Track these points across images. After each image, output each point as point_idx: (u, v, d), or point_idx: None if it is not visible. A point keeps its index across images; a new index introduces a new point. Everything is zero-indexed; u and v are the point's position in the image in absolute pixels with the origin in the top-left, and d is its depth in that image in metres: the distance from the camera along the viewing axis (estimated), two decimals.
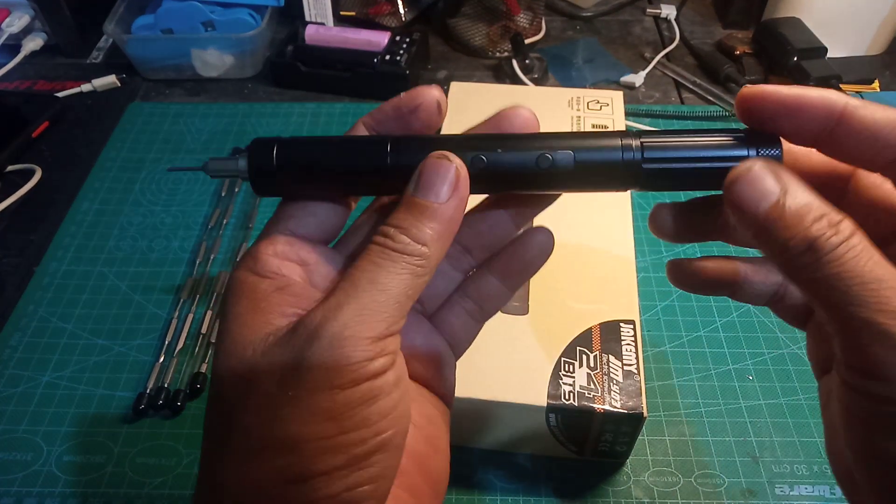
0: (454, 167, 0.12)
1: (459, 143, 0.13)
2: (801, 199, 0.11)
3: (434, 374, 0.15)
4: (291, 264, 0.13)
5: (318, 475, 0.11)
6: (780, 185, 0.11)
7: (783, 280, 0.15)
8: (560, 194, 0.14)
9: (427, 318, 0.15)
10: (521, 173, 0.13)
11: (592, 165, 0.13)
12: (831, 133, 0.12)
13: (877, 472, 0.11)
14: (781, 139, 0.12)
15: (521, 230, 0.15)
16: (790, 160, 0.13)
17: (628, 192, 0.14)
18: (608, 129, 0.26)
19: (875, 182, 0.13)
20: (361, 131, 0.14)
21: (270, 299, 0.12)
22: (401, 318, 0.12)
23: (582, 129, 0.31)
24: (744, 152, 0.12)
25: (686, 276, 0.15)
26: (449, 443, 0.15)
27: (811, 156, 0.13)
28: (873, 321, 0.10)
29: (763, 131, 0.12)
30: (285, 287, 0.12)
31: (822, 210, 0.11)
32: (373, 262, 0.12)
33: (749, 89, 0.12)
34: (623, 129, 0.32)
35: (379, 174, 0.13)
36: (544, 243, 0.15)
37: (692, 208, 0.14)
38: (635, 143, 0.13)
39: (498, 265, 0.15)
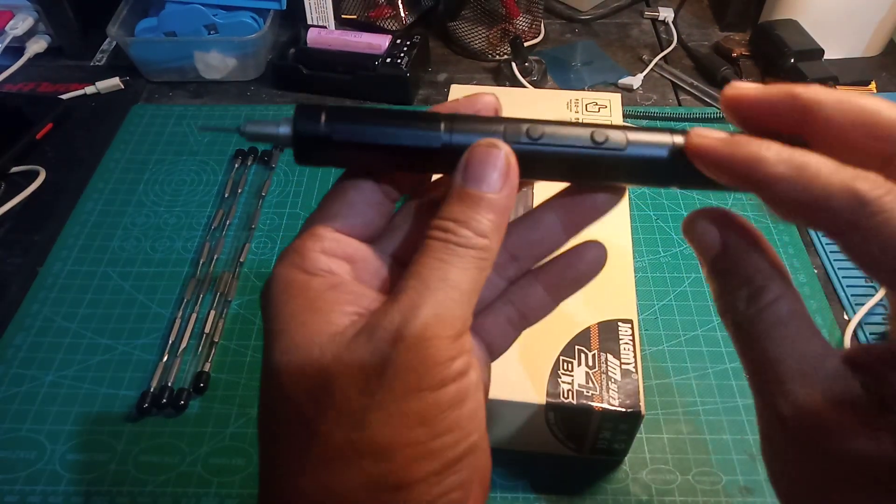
0: (503, 154, 0.12)
1: (511, 124, 0.12)
2: (734, 257, 0.12)
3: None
4: (339, 261, 0.12)
5: (415, 482, 0.11)
6: (720, 240, 0.12)
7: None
8: (616, 201, 0.14)
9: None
10: (572, 154, 0.12)
11: (645, 148, 0.12)
12: (803, 122, 0.11)
13: None
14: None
15: (572, 242, 0.15)
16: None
17: (670, 188, 0.14)
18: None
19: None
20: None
21: (326, 298, 0.12)
22: (471, 314, 0.12)
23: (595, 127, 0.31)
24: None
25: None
26: (489, 442, 0.15)
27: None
28: (769, 398, 0.11)
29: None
30: (339, 285, 0.12)
31: (748, 274, 0.11)
32: (438, 258, 0.11)
33: (727, 90, 0.12)
34: None
35: (430, 151, 0.12)
36: (598, 257, 0.15)
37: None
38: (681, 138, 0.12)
39: (546, 276, 0.15)
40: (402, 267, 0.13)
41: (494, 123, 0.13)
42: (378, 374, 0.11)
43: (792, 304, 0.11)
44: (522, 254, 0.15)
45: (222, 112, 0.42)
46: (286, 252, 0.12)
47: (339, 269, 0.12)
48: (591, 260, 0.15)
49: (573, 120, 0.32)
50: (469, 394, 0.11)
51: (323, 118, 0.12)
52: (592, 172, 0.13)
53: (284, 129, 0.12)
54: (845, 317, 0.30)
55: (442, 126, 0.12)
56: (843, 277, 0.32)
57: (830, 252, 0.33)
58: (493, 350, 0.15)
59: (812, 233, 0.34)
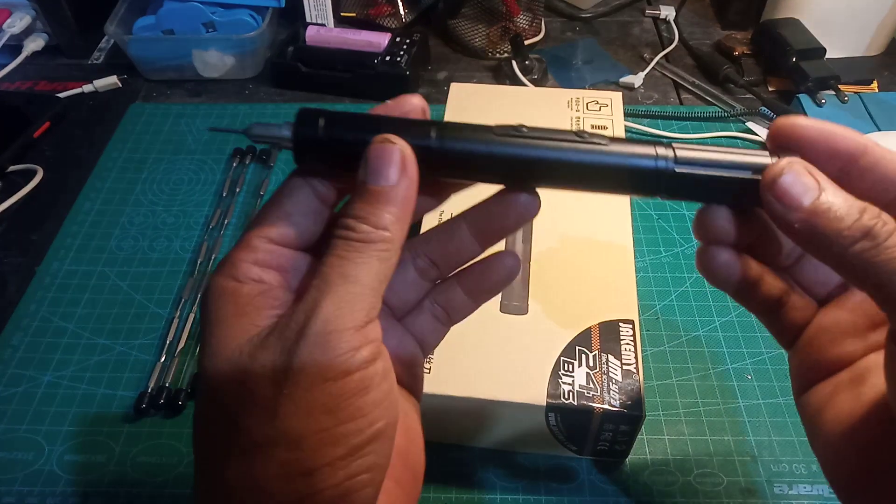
0: (397, 149, 0.12)
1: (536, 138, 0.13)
2: (842, 193, 0.12)
3: (406, 372, 0.15)
4: (271, 271, 0.13)
5: (322, 466, 0.11)
6: (818, 181, 0.12)
7: (788, 288, 0.15)
8: (532, 215, 0.14)
9: (398, 321, 0.16)
10: (558, 158, 0.13)
11: (627, 159, 0.13)
12: (850, 169, 0.12)
13: None
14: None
15: (489, 251, 0.15)
16: None
17: (649, 197, 0.14)
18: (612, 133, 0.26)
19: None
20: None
21: (253, 303, 0.12)
22: (377, 303, 0.12)
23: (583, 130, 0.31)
24: (768, 160, 0.13)
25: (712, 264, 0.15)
26: (422, 434, 0.15)
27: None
28: None
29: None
30: (266, 291, 0.12)
31: (862, 203, 0.12)
32: (339, 256, 0.12)
33: (782, 122, 0.13)
34: (622, 129, 0.32)
35: (423, 154, 0.13)
36: (510, 267, 0.15)
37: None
38: (667, 151, 0.13)
39: (465, 280, 0.16)
40: None
41: (483, 129, 0.13)
42: (285, 369, 0.11)
43: None
44: (440, 262, 0.15)
45: (220, 111, 0.42)
46: (222, 263, 0.13)
47: (269, 278, 0.13)
48: (505, 269, 0.15)
49: (571, 119, 0.32)
50: (374, 382, 0.12)
51: (321, 123, 0.13)
52: (577, 176, 0.13)
53: (286, 132, 0.13)
54: None
55: (433, 133, 0.13)
56: None
57: None
58: (425, 345, 0.16)
59: None
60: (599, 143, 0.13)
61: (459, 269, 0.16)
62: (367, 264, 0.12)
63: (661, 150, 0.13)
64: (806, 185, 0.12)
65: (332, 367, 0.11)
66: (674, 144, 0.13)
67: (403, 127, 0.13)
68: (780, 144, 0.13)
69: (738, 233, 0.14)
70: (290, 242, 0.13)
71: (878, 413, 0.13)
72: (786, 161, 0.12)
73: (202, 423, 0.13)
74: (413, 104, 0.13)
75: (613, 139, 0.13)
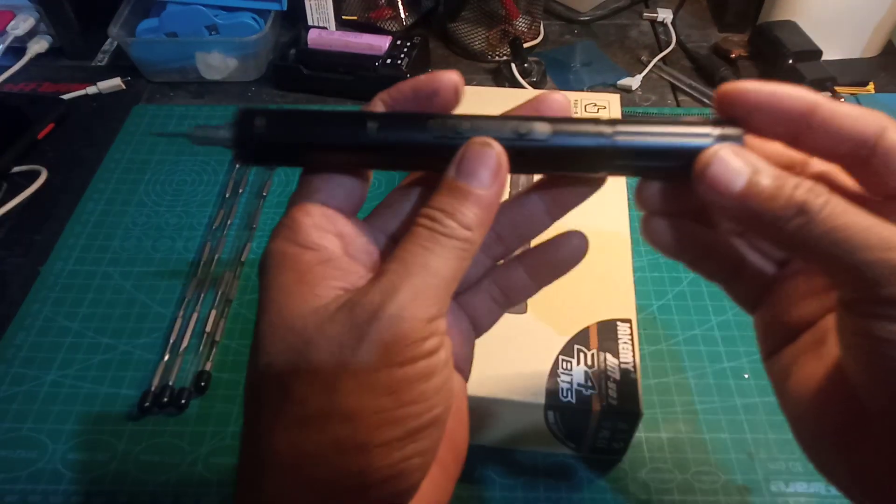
0: (495, 154, 0.13)
1: (446, 122, 0.13)
2: (772, 171, 0.12)
3: (458, 352, 0.15)
4: (330, 236, 0.13)
5: (378, 445, 0.11)
6: (748, 164, 0.12)
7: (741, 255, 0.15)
8: (598, 186, 0.14)
9: (454, 299, 0.16)
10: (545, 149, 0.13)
11: (571, 138, 0.13)
12: (799, 127, 0.12)
13: (885, 384, 0.11)
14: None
15: (556, 226, 0.15)
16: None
17: (603, 182, 0.15)
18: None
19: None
20: (379, 107, 0.14)
21: (315, 272, 0.12)
22: (448, 300, 0.12)
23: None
24: (707, 130, 0.13)
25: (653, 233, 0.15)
26: (468, 415, 0.16)
27: (766, 147, 0.14)
28: (886, 259, 0.11)
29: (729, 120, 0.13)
30: (329, 260, 0.12)
31: (796, 178, 0.12)
32: (422, 245, 0.12)
33: (726, 88, 0.13)
34: None
35: (360, 149, 0.13)
36: (578, 247, 0.15)
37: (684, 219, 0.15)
38: (609, 128, 0.13)
39: (529, 260, 0.16)
40: (392, 243, 0.14)
41: (420, 120, 0.13)
42: (353, 346, 0.11)
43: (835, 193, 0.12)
44: (507, 234, 0.15)
45: (223, 112, 0.42)
46: (279, 227, 0.13)
47: (329, 243, 0.13)
48: (572, 249, 0.15)
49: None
50: (436, 371, 0.12)
51: (259, 122, 0.13)
52: (527, 161, 0.13)
53: (225, 133, 0.13)
54: None
55: (368, 125, 0.13)
56: None
57: None
58: (479, 326, 0.16)
59: None
60: (538, 141, 0.13)
61: (523, 249, 0.15)
62: (449, 259, 0.12)
63: (605, 128, 0.13)
64: (734, 170, 0.12)
65: (401, 352, 0.11)
66: (617, 127, 0.13)
67: (337, 120, 0.13)
68: (727, 112, 0.13)
69: (677, 202, 0.14)
70: (342, 207, 0.13)
71: (837, 373, 0.13)
72: (713, 149, 0.12)
73: (253, 390, 0.13)
74: (444, 80, 0.13)
75: (557, 131, 0.13)
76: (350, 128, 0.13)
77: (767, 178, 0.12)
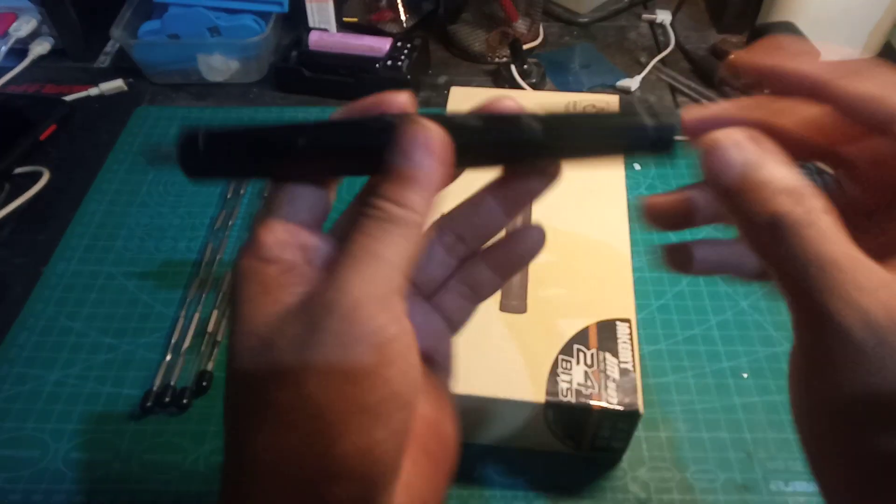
0: (427, 132, 0.13)
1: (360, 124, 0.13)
2: (771, 169, 0.11)
3: (435, 348, 0.16)
4: (293, 249, 0.13)
5: (345, 434, 0.12)
6: (753, 154, 0.11)
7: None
8: (550, 180, 0.15)
9: (426, 300, 0.16)
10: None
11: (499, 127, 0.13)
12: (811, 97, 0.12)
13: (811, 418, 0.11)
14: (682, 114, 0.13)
15: (516, 224, 0.15)
16: (780, 132, 0.13)
17: (556, 176, 0.15)
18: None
19: (875, 153, 0.13)
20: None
21: (278, 281, 0.13)
22: (403, 282, 0.12)
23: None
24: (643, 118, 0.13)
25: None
26: (454, 408, 0.16)
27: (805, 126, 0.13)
28: (825, 306, 0.10)
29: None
30: (291, 269, 0.13)
31: (791, 183, 0.11)
32: (368, 234, 0.12)
33: (736, 56, 0.13)
34: None
35: (293, 158, 0.13)
36: (535, 241, 0.16)
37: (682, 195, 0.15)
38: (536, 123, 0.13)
39: (490, 256, 0.16)
40: None
41: (349, 123, 0.13)
42: (310, 343, 0.12)
43: (831, 208, 0.11)
44: (467, 234, 0.16)
45: (225, 114, 0.42)
46: (245, 245, 0.13)
47: (292, 255, 0.13)
48: (531, 242, 0.16)
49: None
50: (395, 354, 0.12)
51: (201, 141, 0.14)
52: (507, 154, 0.14)
53: (172, 153, 0.14)
54: None
55: (300, 139, 0.13)
56: None
57: None
58: (453, 323, 0.16)
59: None
60: (471, 128, 0.13)
61: (485, 246, 0.16)
62: (394, 243, 0.12)
63: (527, 119, 0.13)
64: (735, 159, 0.12)
65: (357, 340, 0.12)
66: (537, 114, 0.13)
67: (273, 133, 0.14)
68: (739, 74, 0.13)
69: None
70: (304, 220, 0.14)
71: None
72: (724, 132, 0.12)
73: (232, 399, 0.13)
74: (393, 101, 0.13)
75: (487, 117, 0.13)
76: (280, 137, 0.13)
77: (764, 172, 0.11)
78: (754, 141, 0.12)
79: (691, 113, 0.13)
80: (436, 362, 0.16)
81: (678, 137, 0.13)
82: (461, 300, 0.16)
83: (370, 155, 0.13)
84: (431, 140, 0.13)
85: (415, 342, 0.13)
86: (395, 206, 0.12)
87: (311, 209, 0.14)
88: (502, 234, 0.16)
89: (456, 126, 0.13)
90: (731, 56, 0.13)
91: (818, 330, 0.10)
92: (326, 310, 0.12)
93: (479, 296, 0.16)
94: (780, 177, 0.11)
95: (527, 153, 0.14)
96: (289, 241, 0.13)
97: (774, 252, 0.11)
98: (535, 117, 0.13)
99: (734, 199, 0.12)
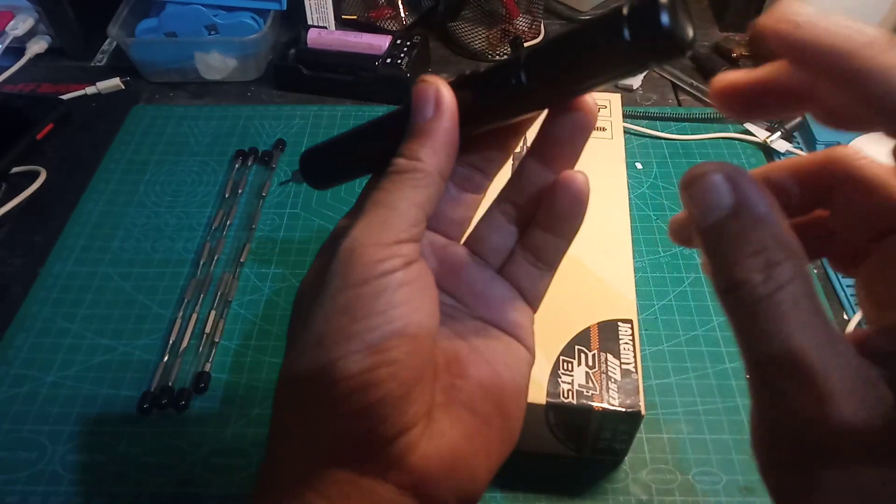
0: (432, 87, 0.14)
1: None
2: (747, 221, 0.10)
3: (503, 317, 0.16)
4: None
5: (338, 359, 0.13)
6: (734, 200, 0.10)
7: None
8: (590, 122, 0.14)
9: (497, 272, 0.16)
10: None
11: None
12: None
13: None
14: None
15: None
16: (767, 170, 0.13)
17: (586, 116, 0.14)
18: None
19: (864, 184, 0.12)
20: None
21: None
22: (411, 226, 0.13)
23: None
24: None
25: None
26: (528, 387, 0.16)
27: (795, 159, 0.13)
28: (768, 390, 0.10)
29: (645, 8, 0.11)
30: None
31: (765, 243, 0.10)
32: (377, 188, 0.14)
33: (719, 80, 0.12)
34: (621, 131, 0.32)
35: (384, 156, 0.14)
36: (578, 185, 0.15)
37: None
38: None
39: (542, 218, 0.15)
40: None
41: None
42: (320, 282, 0.13)
43: (809, 279, 0.10)
44: (520, 201, 0.16)
45: (223, 112, 0.42)
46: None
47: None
48: (572, 188, 0.15)
49: None
50: (390, 286, 0.13)
51: (305, 160, 0.17)
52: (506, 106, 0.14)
53: (299, 176, 0.17)
54: (845, 317, 0.31)
55: (370, 144, 0.15)
56: (843, 277, 0.32)
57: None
58: (527, 293, 0.16)
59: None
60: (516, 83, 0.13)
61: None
62: (399, 191, 0.13)
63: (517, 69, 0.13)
64: (715, 203, 0.10)
65: (356, 273, 0.13)
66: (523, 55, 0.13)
67: (352, 142, 0.16)
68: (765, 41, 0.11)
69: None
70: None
71: None
72: (706, 168, 0.11)
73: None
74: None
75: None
76: (360, 143, 0.16)
77: (739, 225, 0.10)
78: (736, 180, 0.10)
79: (722, 79, 0.12)
80: (516, 337, 0.16)
81: (667, 20, 0.11)
82: (529, 268, 0.16)
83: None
84: (431, 93, 0.14)
85: (423, 278, 0.14)
86: (404, 160, 0.14)
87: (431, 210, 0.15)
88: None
89: (459, 82, 0.14)
90: (757, 22, 0.11)
91: (772, 418, 0.10)
92: (338, 246, 0.13)
93: (544, 261, 0.16)
94: (756, 235, 0.10)
95: (523, 100, 0.13)
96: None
97: (732, 310, 0.10)
98: (520, 61, 0.13)
99: (707, 243, 0.11)
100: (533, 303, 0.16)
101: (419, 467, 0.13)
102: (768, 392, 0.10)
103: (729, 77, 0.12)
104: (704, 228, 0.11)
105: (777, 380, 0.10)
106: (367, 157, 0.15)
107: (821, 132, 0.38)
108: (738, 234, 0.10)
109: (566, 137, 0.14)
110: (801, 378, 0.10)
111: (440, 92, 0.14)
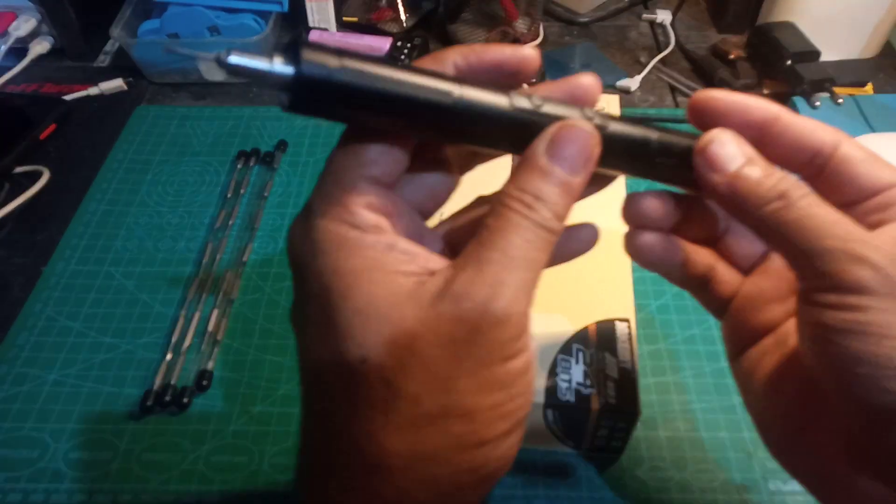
0: (590, 137, 0.12)
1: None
2: (763, 162, 0.13)
3: None
4: (381, 217, 0.12)
5: (493, 439, 0.12)
6: (745, 150, 0.13)
7: (713, 263, 0.16)
8: (613, 178, 0.15)
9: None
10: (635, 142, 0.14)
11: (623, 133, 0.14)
12: (763, 135, 0.14)
13: (836, 370, 0.12)
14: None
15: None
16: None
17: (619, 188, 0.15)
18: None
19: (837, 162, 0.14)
20: (449, 69, 0.12)
21: (387, 258, 0.12)
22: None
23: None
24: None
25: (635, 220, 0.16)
26: None
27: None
28: (846, 248, 0.12)
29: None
30: (394, 244, 0.12)
31: (781, 171, 0.13)
32: (522, 236, 0.12)
33: (699, 95, 0.14)
34: None
35: (442, 115, 0.11)
36: (588, 238, 0.16)
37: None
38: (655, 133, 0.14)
39: None
40: (419, 216, 0.14)
41: (504, 93, 0.12)
42: (466, 343, 0.11)
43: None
44: None
45: (225, 113, 0.42)
46: (327, 201, 0.12)
47: (383, 224, 0.12)
48: (585, 240, 0.16)
49: None
50: (532, 362, 0.13)
51: (333, 59, 0.10)
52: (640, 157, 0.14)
53: (280, 67, 0.10)
54: None
55: (452, 86, 0.11)
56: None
57: None
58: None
59: None
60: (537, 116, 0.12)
61: None
62: (543, 251, 0.12)
63: (589, 113, 0.13)
64: (731, 153, 0.13)
65: (510, 347, 0.12)
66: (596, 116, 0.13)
67: (420, 72, 0.11)
68: (699, 117, 0.14)
69: (663, 215, 0.15)
70: (389, 180, 0.12)
71: (797, 371, 0.14)
72: (717, 130, 0.13)
73: (343, 381, 0.11)
74: (529, 60, 0.13)
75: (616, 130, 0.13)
76: (430, 89, 0.11)
77: (756, 166, 0.13)
78: (740, 139, 0.13)
79: (698, 97, 0.14)
80: None
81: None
82: None
83: (508, 134, 0.12)
84: (591, 146, 0.12)
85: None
86: (547, 211, 0.12)
87: (396, 169, 0.12)
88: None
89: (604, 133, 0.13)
90: (696, 95, 0.14)
91: (843, 266, 0.11)
92: (483, 310, 0.11)
93: None
94: (769, 165, 0.13)
95: (646, 168, 0.14)
96: (378, 206, 0.12)
97: (786, 218, 0.12)
98: (663, 138, 0.14)
99: (738, 182, 0.13)
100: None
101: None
102: (828, 276, 0.12)
103: (704, 95, 0.14)
104: (733, 173, 0.13)
105: (836, 260, 0.11)
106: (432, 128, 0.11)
107: None
108: (759, 170, 0.13)
109: (595, 185, 0.15)
110: (853, 254, 0.11)
111: (595, 147, 0.12)
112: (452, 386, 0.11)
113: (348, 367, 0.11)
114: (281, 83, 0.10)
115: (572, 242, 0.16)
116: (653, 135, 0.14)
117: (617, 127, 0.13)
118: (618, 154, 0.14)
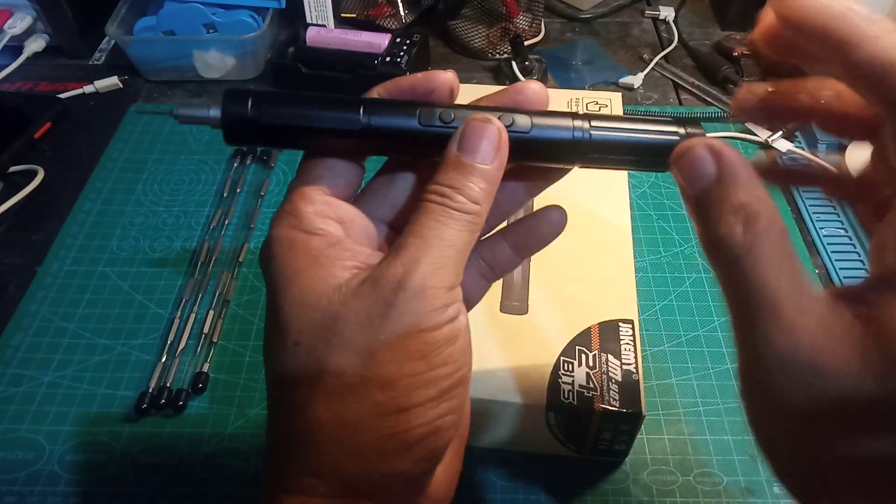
0: (496, 128, 0.13)
1: (435, 110, 0.14)
2: (730, 186, 0.12)
3: None
4: (332, 221, 0.14)
5: (414, 406, 0.12)
6: (716, 168, 0.12)
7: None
8: (571, 168, 0.15)
9: None
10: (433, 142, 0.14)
11: (549, 131, 0.14)
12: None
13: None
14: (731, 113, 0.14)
15: (534, 206, 0.16)
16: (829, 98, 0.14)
17: (574, 168, 0.15)
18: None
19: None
20: (372, 95, 0.15)
21: (327, 254, 0.13)
22: (462, 270, 0.13)
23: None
24: (675, 129, 0.14)
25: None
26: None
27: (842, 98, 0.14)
28: (761, 337, 0.11)
29: (689, 120, 0.14)
30: (337, 243, 0.13)
31: (743, 201, 0.11)
32: (437, 220, 0.13)
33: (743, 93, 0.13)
34: None
35: (350, 133, 0.14)
36: (557, 221, 0.16)
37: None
38: (584, 123, 0.14)
39: (512, 235, 0.17)
40: (385, 226, 0.15)
41: (409, 108, 0.14)
42: (382, 317, 0.12)
43: (783, 229, 0.12)
44: (490, 213, 0.16)
45: None
46: (281, 214, 0.14)
47: (333, 228, 0.14)
48: (552, 223, 0.16)
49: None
50: (459, 334, 0.13)
51: (249, 102, 0.13)
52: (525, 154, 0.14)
53: (214, 112, 0.13)
54: (820, 271, 0.31)
55: (361, 110, 0.13)
56: (844, 278, 0.32)
57: (832, 252, 0.33)
58: (468, 300, 0.17)
59: (814, 233, 0.34)
60: (520, 132, 0.14)
61: (504, 224, 0.16)
62: (461, 231, 0.13)
63: (578, 123, 0.14)
64: (700, 173, 0.12)
65: (428, 319, 0.12)
66: (591, 122, 0.14)
67: (330, 104, 0.13)
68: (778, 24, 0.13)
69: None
70: (341, 194, 0.14)
71: None
72: (691, 142, 0.13)
73: (280, 366, 0.13)
74: (440, 79, 0.14)
75: (536, 124, 0.14)
76: (341, 112, 0.13)
77: (718, 190, 0.12)
78: (717, 151, 0.12)
79: (743, 91, 0.14)
80: None
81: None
82: (478, 278, 0.17)
83: (427, 143, 0.14)
84: (497, 135, 0.13)
85: (468, 325, 0.13)
86: (461, 196, 0.13)
87: (348, 183, 0.14)
88: (521, 213, 0.17)
89: (510, 126, 0.14)
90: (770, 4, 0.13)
91: (755, 353, 0.11)
92: (398, 286, 0.12)
93: (497, 273, 0.17)
94: (736, 195, 0.12)
95: (569, 155, 0.14)
96: (328, 212, 0.14)
97: (718, 274, 0.12)
98: (579, 117, 0.14)
99: (695, 209, 0.12)
100: (470, 308, 0.17)
101: (434, 495, 0.14)
102: (747, 330, 0.11)
103: (750, 89, 0.14)
104: (693, 195, 0.12)
105: (755, 316, 0.11)
106: (347, 145, 0.14)
107: (823, 133, 0.38)
108: (721, 196, 0.12)
109: (557, 173, 0.15)
110: (773, 312, 0.11)
111: (503, 135, 0.13)
112: (371, 357, 0.12)
113: (286, 353, 0.13)
114: (217, 124, 0.14)
115: (542, 226, 0.16)
116: (577, 122, 0.14)
117: (525, 121, 0.14)
118: (541, 147, 0.14)
